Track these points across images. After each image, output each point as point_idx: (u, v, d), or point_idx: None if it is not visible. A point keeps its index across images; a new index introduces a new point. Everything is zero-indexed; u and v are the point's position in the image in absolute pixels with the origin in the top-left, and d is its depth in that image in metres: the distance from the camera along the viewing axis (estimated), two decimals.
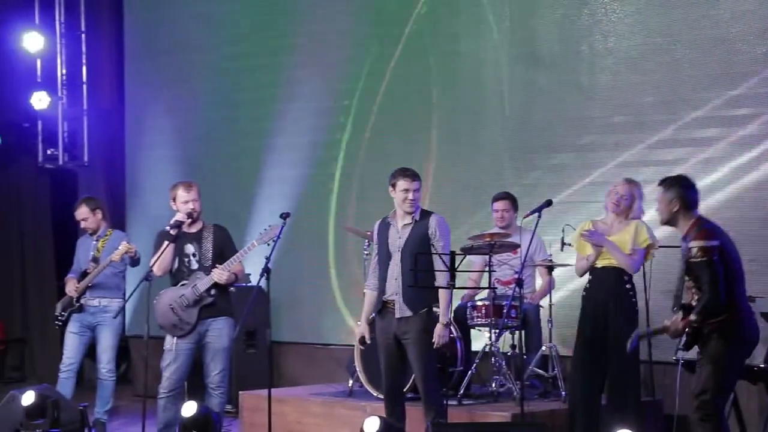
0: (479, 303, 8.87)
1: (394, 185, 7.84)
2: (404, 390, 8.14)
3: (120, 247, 9.39)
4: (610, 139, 9.61)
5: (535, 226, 8.44)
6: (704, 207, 7.47)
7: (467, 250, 8.44)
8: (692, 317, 6.79)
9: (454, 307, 8.68)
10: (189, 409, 7.79)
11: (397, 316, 7.79)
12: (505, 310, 8.61)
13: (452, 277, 7.56)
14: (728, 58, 9.06)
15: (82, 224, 9.93)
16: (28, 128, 13.07)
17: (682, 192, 6.98)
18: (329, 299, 11.17)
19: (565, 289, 9.40)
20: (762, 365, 7.86)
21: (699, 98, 9.19)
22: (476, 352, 8.94)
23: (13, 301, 13.71)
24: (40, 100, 12.73)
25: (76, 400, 9.18)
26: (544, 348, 8.94)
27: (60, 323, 9.86)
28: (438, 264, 7.62)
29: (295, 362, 11.43)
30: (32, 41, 12.77)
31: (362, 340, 8.07)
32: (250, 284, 10.39)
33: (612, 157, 9.58)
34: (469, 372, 8.77)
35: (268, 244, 8.27)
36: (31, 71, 12.94)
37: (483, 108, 10.34)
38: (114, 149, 13.03)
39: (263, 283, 8.11)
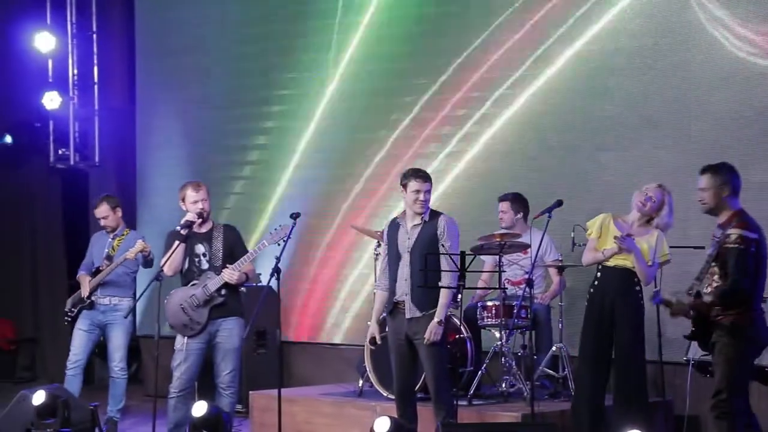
0: (489, 303, 8.87)
1: (405, 186, 7.84)
2: (415, 390, 8.15)
3: (136, 246, 9.42)
4: (622, 140, 9.59)
5: (546, 226, 8.44)
6: None
7: (477, 250, 8.44)
8: (709, 298, 6.81)
9: (464, 307, 8.70)
10: (199, 408, 7.80)
11: (408, 316, 7.79)
12: (515, 311, 8.61)
13: (461, 278, 7.56)
14: None
15: (102, 222, 9.92)
16: (39, 128, 13.10)
17: (732, 178, 7.04)
18: (339, 299, 11.17)
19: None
20: None
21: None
22: (486, 353, 8.94)
23: (24, 301, 13.75)
24: (51, 100, 12.76)
25: (87, 400, 9.19)
26: (554, 348, 8.94)
27: (69, 319, 9.89)
28: (446, 264, 7.62)
29: (305, 362, 11.43)
30: (44, 41, 12.80)
31: (373, 341, 8.07)
32: (260, 284, 10.40)
33: (623, 158, 9.56)
34: (480, 372, 8.76)
35: (279, 244, 8.27)
36: (43, 71, 12.97)
37: (494, 109, 10.32)
38: (125, 149, 13.06)
39: (273, 283, 8.12)
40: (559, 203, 8.47)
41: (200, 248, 8.52)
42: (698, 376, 8.27)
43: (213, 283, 8.40)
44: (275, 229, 8.38)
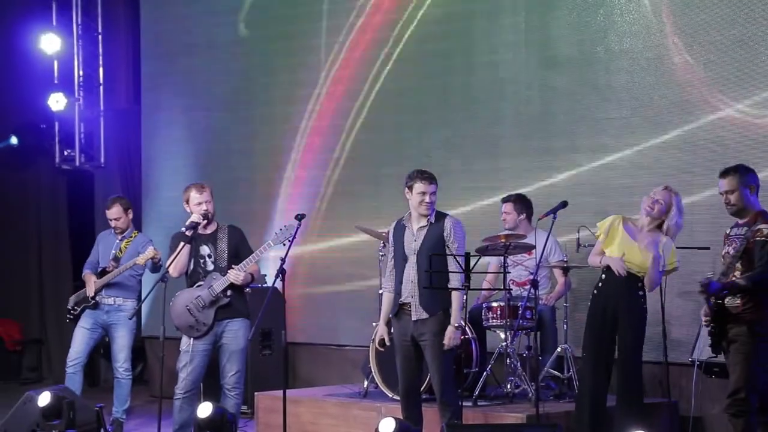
0: (494, 304, 8.88)
1: (410, 187, 7.82)
2: (421, 391, 8.15)
3: (147, 252, 9.45)
4: (626, 140, 9.59)
5: (551, 227, 8.44)
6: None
7: (482, 252, 8.44)
8: (741, 281, 6.90)
9: (469, 308, 8.70)
10: (204, 409, 7.80)
11: (414, 318, 7.79)
12: (520, 312, 8.61)
13: (467, 279, 7.56)
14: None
15: (113, 223, 9.91)
16: (45, 129, 13.13)
17: (754, 177, 7.20)
18: (344, 300, 11.17)
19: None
20: None
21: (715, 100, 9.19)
22: (491, 354, 8.94)
23: (30, 302, 13.77)
24: (57, 102, 12.78)
25: (93, 401, 9.20)
26: (559, 349, 8.94)
27: (71, 317, 9.90)
28: (452, 266, 7.62)
29: (310, 363, 11.44)
30: (49, 43, 12.82)
31: (382, 342, 8.04)
32: (265, 285, 10.40)
33: (628, 159, 9.56)
34: (485, 373, 8.77)
35: (284, 245, 8.28)
36: (48, 73, 12.99)
37: (500, 109, 10.33)
38: (130, 150, 13.08)
39: (279, 284, 8.12)
40: (564, 204, 8.46)
41: (205, 249, 8.53)
42: (704, 377, 8.26)
43: (218, 284, 8.41)
44: (280, 230, 8.38)
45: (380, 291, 8.16)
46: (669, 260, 7.85)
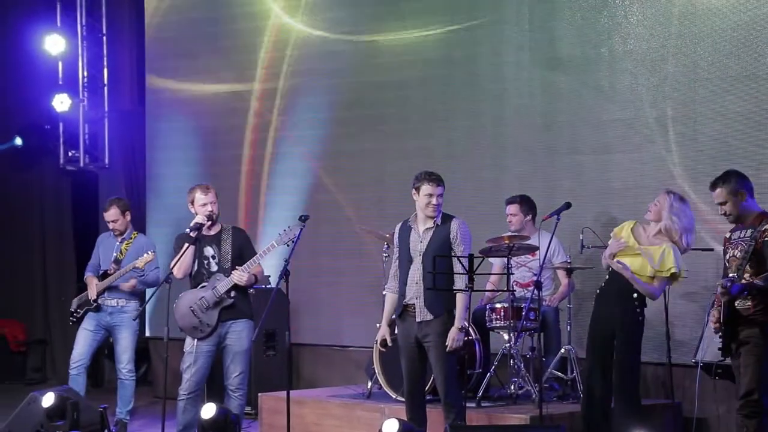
0: (498, 305, 8.88)
1: (417, 189, 7.82)
2: (425, 392, 8.15)
3: (146, 255, 9.47)
4: (630, 141, 9.59)
5: (554, 229, 8.44)
6: None
7: (486, 253, 8.44)
8: (759, 282, 6.88)
9: (472, 309, 8.70)
10: (208, 410, 7.80)
11: (418, 319, 7.80)
12: (524, 313, 8.62)
13: (470, 280, 7.56)
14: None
15: (111, 225, 9.92)
16: (49, 130, 13.13)
17: (744, 182, 7.17)
18: (348, 301, 11.17)
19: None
20: None
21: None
22: (495, 355, 8.94)
23: (35, 302, 13.78)
24: (61, 103, 12.78)
25: (96, 402, 9.21)
26: (562, 350, 8.94)
27: (74, 320, 9.91)
28: (457, 267, 7.63)
29: (314, 364, 11.44)
30: (54, 43, 12.83)
31: (384, 343, 8.06)
32: (269, 286, 10.41)
33: (632, 160, 9.56)
34: (488, 374, 8.78)
35: (288, 245, 8.29)
36: (53, 73, 12.99)
37: (504, 110, 10.33)
38: (134, 151, 13.08)
39: (282, 285, 8.13)
40: (568, 205, 8.46)
41: (209, 250, 8.54)
42: (707, 378, 8.26)
43: (222, 285, 8.43)
44: (284, 231, 8.39)
45: (383, 292, 8.16)
46: (664, 266, 7.75)
